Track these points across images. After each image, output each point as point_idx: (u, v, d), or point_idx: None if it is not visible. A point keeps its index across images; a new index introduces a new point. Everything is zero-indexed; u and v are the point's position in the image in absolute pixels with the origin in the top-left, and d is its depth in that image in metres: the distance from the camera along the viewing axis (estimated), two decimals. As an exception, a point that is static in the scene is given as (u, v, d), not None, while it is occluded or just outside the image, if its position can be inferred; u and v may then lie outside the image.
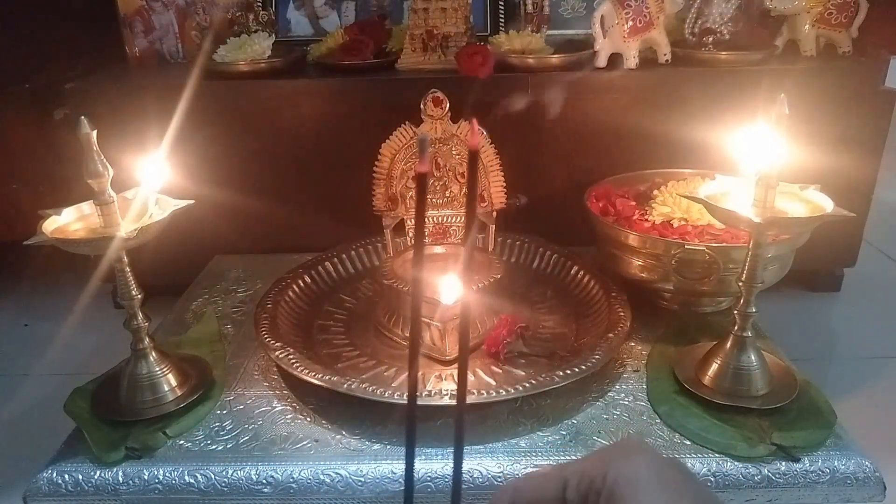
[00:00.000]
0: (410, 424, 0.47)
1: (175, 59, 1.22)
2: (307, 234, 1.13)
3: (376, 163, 0.89)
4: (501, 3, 1.26)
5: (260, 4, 1.22)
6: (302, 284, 0.93)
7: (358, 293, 0.96)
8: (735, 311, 0.70)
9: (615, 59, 1.05)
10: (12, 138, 1.15)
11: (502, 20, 1.25)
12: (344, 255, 1.00)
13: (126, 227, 0.67)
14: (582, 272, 0.93)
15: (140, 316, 0.71)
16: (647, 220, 0.89)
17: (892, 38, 1.10)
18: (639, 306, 0.84)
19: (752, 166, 0.66)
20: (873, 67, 1.04)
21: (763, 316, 0.70)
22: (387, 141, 0.89)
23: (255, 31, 1.10)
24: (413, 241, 0.90)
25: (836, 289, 1.20)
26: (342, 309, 0.92)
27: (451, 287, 0.75)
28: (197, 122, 1.05)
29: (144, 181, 0.71)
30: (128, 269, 0.69)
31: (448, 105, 0.88)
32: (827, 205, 0.65)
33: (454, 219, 0.92)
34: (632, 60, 1.03)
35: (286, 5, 1.29)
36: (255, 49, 1.05)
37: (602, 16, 1.00)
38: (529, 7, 1.13)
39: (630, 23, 1.00)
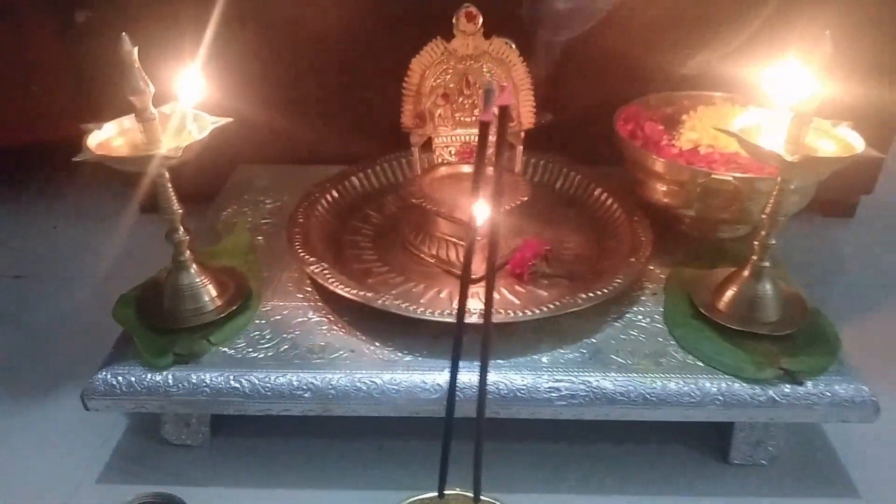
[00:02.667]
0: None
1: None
2: (330, 146, 1.13)
3: (406, 78, 0.89)
4: None
5: None
6: (330, 199, 0.94)
7: (384, 209, 0.98)
8: (755, 242, 0.72)
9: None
10: (32, 42, 1.13)
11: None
12: (369, 170, 1.01)
13: (168, 145, 0.68)
14: (605, 194, 0.95)
15: (181, 229, 0.74)
16: (674, 145, 0.89)
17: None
18: (658, 230, 0.87)
19: (788, 100, 0.67)
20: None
21: (776, 239, 0.72)
22: (417, 56, 0.88)
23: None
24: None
25: (850, 215, 1.21)
26: (369, 224, 0.95)
27: (479, 210, 0.77)
28: (222, 30, 1.03)
29: (181, 96, 0.72)
30: (169, 184, 0.71)
31: (481, 20, 0.87)
32: (858, 144, 0.66)
33: (482, 137, 0.92)
34: (669, -25, 0.99)
35: None
36: (281, -48, 1.01)
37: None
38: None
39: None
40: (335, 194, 0.96)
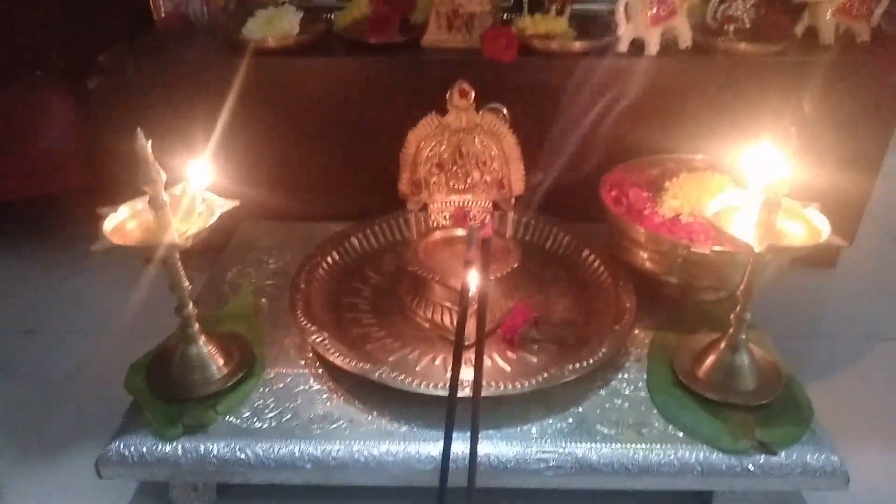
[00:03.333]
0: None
1: (200, 20, 1.23)
2: (330, 203, 1.18)
3: (402, 149, 0.94)
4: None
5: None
6: (330, 261, 0.99)
7: (381, 269, 1.02)
8: (731, 316, 0.77)
9: (636, 43, 1.07)
10: (44, 100, 1.19)
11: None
12: (368, 230, 1.05)
13: (179, 230, 0.73)
14: (592, 256, 0.99)
15: (190, 304, 0.78)
16: (657, 212, 0.94)
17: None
18: (643, 293, 0.91)
19: (761, 183, 0.71)
20: (892, 56, 1.06)
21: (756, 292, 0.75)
22: (413, 129, 0.94)
23: (283, 3, 1.11)
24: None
25: (831, 265, 1.26)
26: (368, 286, 0.99)
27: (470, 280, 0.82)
28: (225, 94, 1.08)
29: (191, 180, 0.76)
30: (178, 263, 0.76)
31: (473, 95, 0.92)
32: (824, 229, 0.71)
33: (475, 203, 0.98)
34: (653, 47, 1.04)
35: (309, -35, 1.28)
36: (284, 26, 1.06)
37: (626, 3, 1.01)
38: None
39: (654, 10, 1.01)
40: (335, 256, 1.00)
